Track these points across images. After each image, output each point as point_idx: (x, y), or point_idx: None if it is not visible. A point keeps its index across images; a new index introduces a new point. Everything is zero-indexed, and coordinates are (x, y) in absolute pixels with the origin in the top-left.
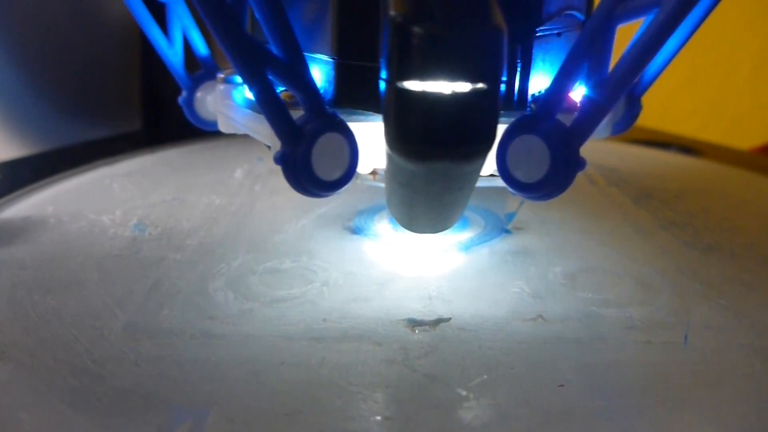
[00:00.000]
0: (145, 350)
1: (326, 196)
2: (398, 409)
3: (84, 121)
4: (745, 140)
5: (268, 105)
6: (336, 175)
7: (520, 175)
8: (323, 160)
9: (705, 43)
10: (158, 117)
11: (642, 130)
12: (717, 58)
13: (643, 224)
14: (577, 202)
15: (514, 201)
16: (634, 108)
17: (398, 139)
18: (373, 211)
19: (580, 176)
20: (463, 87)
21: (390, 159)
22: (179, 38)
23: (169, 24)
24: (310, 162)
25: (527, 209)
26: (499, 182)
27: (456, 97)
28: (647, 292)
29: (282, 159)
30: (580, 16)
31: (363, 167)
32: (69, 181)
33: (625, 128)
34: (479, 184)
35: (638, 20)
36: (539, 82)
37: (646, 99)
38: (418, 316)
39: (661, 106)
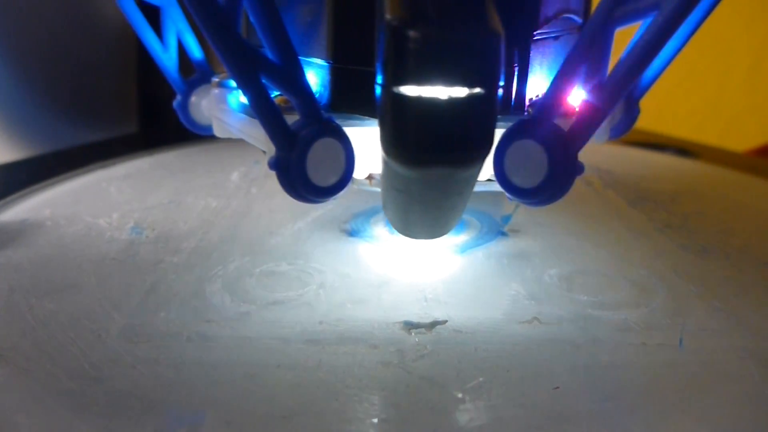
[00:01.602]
0: (142, 353)
1: (321, 202)
2: (394, 411)
3: (80, 124)
4: (740, 142)
5: (261, 110)
6: (331, 180)
7: (517, 180)
8: (318, 165)
9: (701, 45)
10: (155, 120)
11: (638, 132)
12: (713, 60)
13: (638, 226)
14: (573, 204)
15: (511, 204)
16: (632, 112)
17: (394, 144)
18: (369, 214)
19: (576, 179)
20: (460, 92)
21: (386, 164)
22: (173, 42)
23: (163, 27)
24: (304, 167)
25: (523, 212)
26: (497, 187)
27: (452, 103)
28: (642, 294)
29: (276, 164)
30: (578, 19)
31: (359, 172)
32: (66, 184)
33: (623, 132)
34: (476, 189)
35: (636, 23)
36: (537, 85)
37: (642, 101)
38: (414, 319)
39: (657, 108)
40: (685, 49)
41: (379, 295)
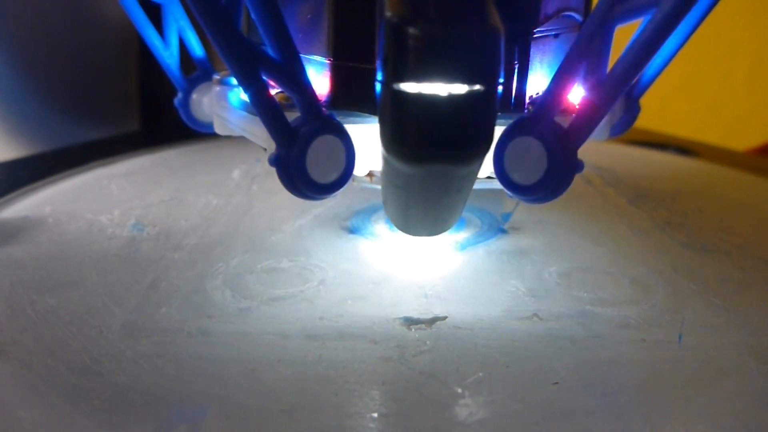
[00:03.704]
0: (143, 348)
1: (321, 199)
2: (394, 406)
3: (82, 122)
4: (742, 142)
5: (262, 107)
6: (331, 177)
7: (517, 177)
8: (318, 162)
9: (702, 45)
10: (156, 118)
11: (639, 131)
12: (714, 59)
13: (638, 224)
14: (573, 202)
15: (511, 201)
16: (632, 110)
17: (394, 141)
18: (369, 212)
19: (576, 177)
20: (460, 89)
21: (386, 161)
22: (175, 39)
23: (164, 25)
24: (304, 164)
25: (523, 209)
26: (497, 185)
27: (452, 99)
28: (642, 291)
29: (276, 161)
30: (578, 17)
31: (359, 169)
32: (67, 181)
33: (624, 130)
34: (476, 186)
35: (636, 21)
36: (537, 83)
37: (644, 100)
38: (414, 315)
39: (659, 108)
40: (686, 50)
41: (380, 291)
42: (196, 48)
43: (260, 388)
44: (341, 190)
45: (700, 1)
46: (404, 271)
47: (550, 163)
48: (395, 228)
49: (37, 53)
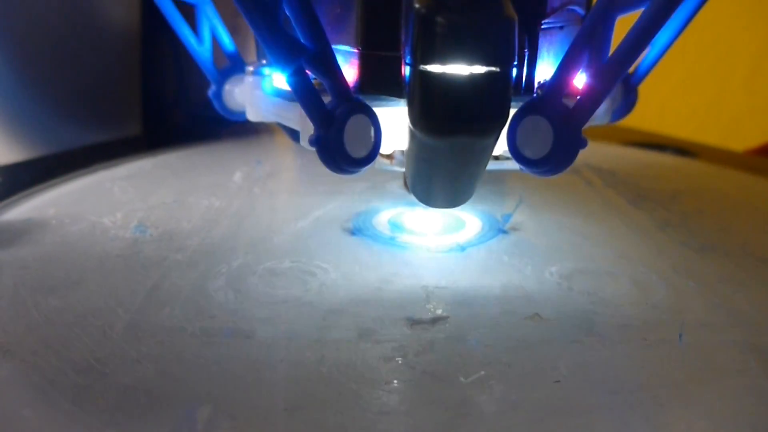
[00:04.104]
0: (146, 348)
1: (356, 172)
2: (397, 404)
3: (84, 126)
4: (741, 143)
5: (303, 92)
6: (363, 153)
7: (528, 152)
8: (353, 139)
9: (701, 47)
10: (158, 122)
11: (639, 133)
12: (713, 61)
13: (638, 225)
14: (574, 203)
15: (511, 202)
16: (630, 97)
17: (422, 116)
18: (370, 213)
19: (576, 178)
20: (479, 70)
21: (413, 137)
22: (208, 36)
23: (198, 23)
24: (342, 142)
25: (524, 211)
26: (510, 165)
27: (473, 79)
28: (643, 291)
29: (317, 141)
30: (581, 11)
31: (384, 147)
32: (69, 184)
33: (623, 116)
34: (492, 167)
35: (636, 13)
36: (545, 71)
37: (643, 102)
38: (416, 316)
39: (658, 109)
40: (685, 51)
41: (381, 292)
42: (228, 44)
43: (263, 388)
44: (372, 164)
45: None
46: (406, 271)
47: (556, 139)
48: (396, 228)
49: (40, 57)
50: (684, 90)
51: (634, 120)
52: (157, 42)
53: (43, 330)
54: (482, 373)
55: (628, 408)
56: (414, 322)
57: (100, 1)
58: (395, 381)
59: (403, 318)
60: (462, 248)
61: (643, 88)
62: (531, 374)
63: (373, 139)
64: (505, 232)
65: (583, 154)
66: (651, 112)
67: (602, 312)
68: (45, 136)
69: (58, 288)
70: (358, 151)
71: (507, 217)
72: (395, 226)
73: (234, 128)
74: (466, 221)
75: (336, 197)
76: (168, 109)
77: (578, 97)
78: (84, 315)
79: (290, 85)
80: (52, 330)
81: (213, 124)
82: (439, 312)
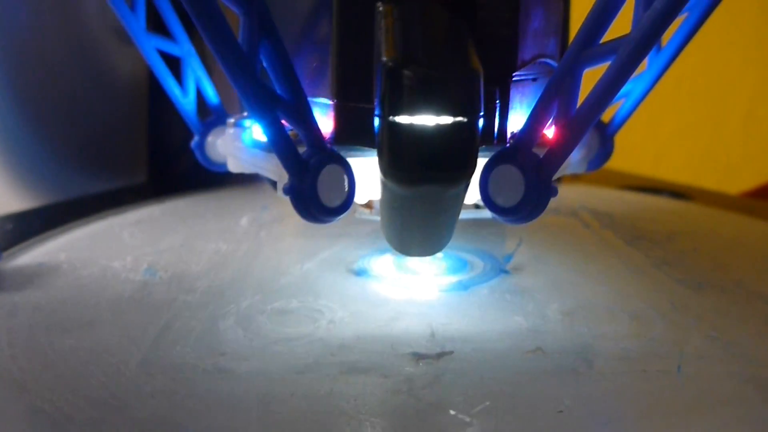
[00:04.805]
0: (160, 384)
1: (329, 222)
2: None
3: (91, 174)
4: (737, 188)
5: (279, 142)
6: (337, 202)
7: (500, 200)
8: (326, 189)
9: (695, 94)
10: (163, 170)
11: (635, 177)
12: (707, 108)
13: (636, 263)
14: (572, 244)
15: (512, 243)
16: (606, 146)
17: (391, 166)
18: (374, 255)
19: (574, 220)
20: (446, 120)
21: (384, 186)
22: (193, 88)
23: (183, 75)
24: (316, 191)
25: (524, 251)
26: (484, 214)
27: (440, 129)
28: (641, 326)
29: (291, 189)
30: (553, 63)
31: (359, 197)
32: (79, 230)
33: (600, 165)
34: (466, 216)
35: (603, 66)
36: (518, 121)
37: (639, 149)
38: (421, 351)
39: (654, 157)
40: (679, 99)
41: (387, 329)
42: (212, 96)
43: (275, 420)
44: (346, 213)
45: (654, 50)
46: (411, 310)
47: (527, 188)
48: (401, 269)
49: (51, 109)
50: (679, 137)
51: (630, 166)
52: (163, 93)
53: (58, 367)
54: (487, 403)
55: None
56: (420, 357)
57: (110, 56)
58: (403, 413)
59: (409, 353)
60: (465, 287)
61: (639, 136)
62: (535, 404)
63: (346, 189)
64: (506, 272)
65: (580, 198)
66: (646, 159)
67: (602, 346)
68: (53, 184)
69: (72, 328)
70: (331, 201)
71: (508, 258)
72: (400, 267)
73: (237, 177)
74: (468, 262)
75: (341, 240)
76: (173, 158)
77: (548, 148)
78: (98, 353)
79: (266, 134)
80: (68, 367)
81: (217, 174)
82: (443, 348)
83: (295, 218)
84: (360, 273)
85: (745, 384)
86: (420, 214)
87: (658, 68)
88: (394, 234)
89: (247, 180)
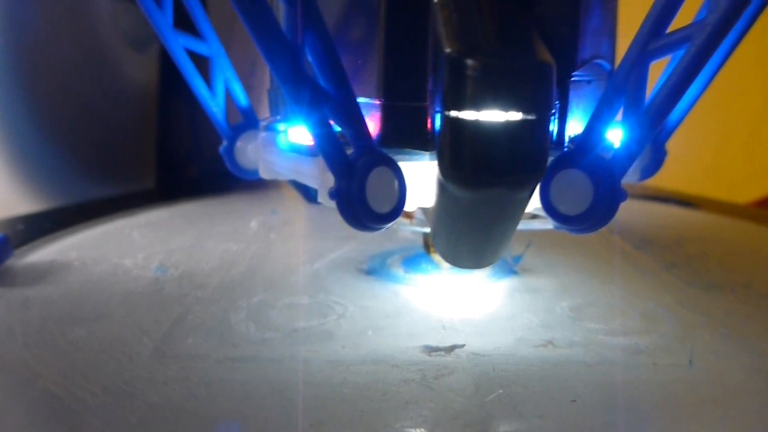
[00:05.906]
0: (172, 372)
1: (378, 229)
2: (419, 422)
3: (101, 179)
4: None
5: (326, 141)
6: (387, 208)
7: (564, 208)
8: (375, 193)
9: (700, 111)
10: (171, 176)
11: (641, 187)
12: (713, 124)
13: (645, 266)
14: (580, 248)
15: (521, 244)
16: (658, 153)
17: (453, 167)
18: (385, 256)
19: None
20: (515, 116)
21: (442, 190)
22: (221, 90)
23: (212, 77)
24: (364, 195)
25: (533, 253)
26: (543, 225)
27: (508, 127)
28: (651, 322)
29: (337, 193)
30: (608, 65)
31: (408, 204)
32: (90, 230)
33: (652, 173)
34: (523, 227)
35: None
36: (573, 128)
37: None
38: (432, 343)
39: (659, 173)
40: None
41: (398, 324)
42: (242, 98)
43: (287, 407)
44: (395, 220)
45: (731, 35)
46: (421, 307)
47: (596, 193)
48: (410, 269)
49: (63, 116)
50: (684, 153)
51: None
52: (172, 100)
53: (72, 356)
54: (500, 391)
55: (642, 425)
56: (432, 350)
57: (121, 64)
58: (416, 401)
59: (420, 346)
60: (474, 287)
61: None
62: (547, 394)
63: (397, 194)
64: (515, 272)
65: None
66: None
67: (613, 341)
68: (63, 188)
69: (85, 320)
70: (381, 206)
71: (517, 259)
72: (409, 266)
73: (244, 182)
74: None
75: (350, 241)
76: (181, 165)
77: (615, 148)
78: (111, 343)
79: (312, 134)
80: (81, 356)
81: (224, 180)
82: (454, 341)
83: (304, 221)
84: (370, 272)
85: (757, 376)
86: (480, 221)
87: (711, 69)
88: (448, 243)
89: (254, 186)
